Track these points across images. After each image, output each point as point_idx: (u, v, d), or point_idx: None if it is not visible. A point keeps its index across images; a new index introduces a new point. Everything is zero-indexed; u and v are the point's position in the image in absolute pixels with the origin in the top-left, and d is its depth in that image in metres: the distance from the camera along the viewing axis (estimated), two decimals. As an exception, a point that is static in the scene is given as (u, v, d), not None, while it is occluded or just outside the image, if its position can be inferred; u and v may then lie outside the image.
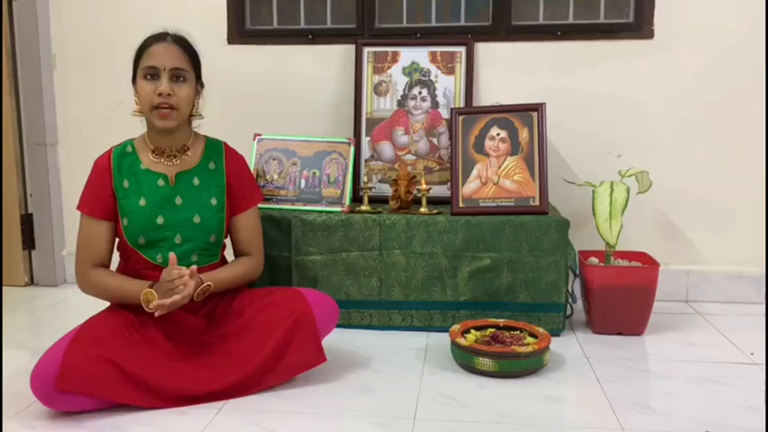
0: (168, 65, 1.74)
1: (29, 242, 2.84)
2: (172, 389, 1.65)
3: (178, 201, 1.81)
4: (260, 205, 2.02)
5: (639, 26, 2.50)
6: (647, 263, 2.28)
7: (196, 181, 1.84)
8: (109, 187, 1.79)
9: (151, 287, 1.71)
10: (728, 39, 2.46)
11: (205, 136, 1.92)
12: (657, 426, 1.58)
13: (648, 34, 2.49)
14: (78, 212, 1.81)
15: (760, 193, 2.51)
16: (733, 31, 2.46)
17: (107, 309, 1.81)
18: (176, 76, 1.76)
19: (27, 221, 2.82)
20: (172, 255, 1.70)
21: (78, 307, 2.08)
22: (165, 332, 1.75)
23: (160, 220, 1.78)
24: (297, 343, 1.76)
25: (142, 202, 1.78)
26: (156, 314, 1.69)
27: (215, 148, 1.90)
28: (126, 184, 1.79)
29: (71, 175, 2.78)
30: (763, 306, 2.49)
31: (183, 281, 1.67)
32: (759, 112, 2.48)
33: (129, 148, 1.84)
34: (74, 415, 1.60)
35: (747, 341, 2.12)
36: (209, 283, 1.76)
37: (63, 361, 1.56)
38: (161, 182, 1.81)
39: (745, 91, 2.47)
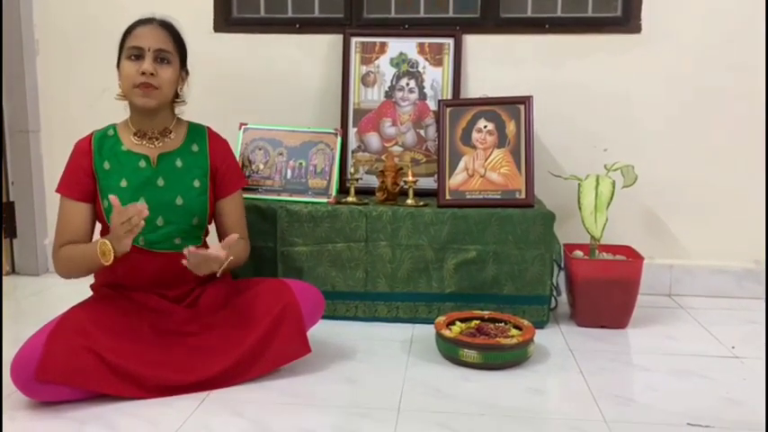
0: (153, 46, 1.73)
1: (10, 231, 2.80)
2: (155, 379, 1.64)
3: (160, 182, 1.79)
4: (245, 195, 2.01)
5: (627, 20, 2.50)
6: (632, 257, 2.29)
7: (179, 163, 1.82)
8: (89, 168, 1.77)
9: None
10: (715, 34, 2.47)
11: (188, 121, 1.90)
12: (639, 418, 1.59)
13: (636, 29, 2.50)
14: (60, 199, 1.78)
15: (744, 189, 2.53)
16: (720, 27, 2.47)
17: (89, 298, 1.80)
18: (160, 57, 1.74)
19: (8, 209, 2.78)
20: (113, 197, 1.61)
21: (60, 296, 2.06)
22: (148, 322, 1.73)
23: (141, 202, 1.76)
24: (282, 334, 1.75)
25: (123, 183, 1.76)
26: (184, 262, 1.64)
27: (198, 132, 1.89)
28: (107, 165, 1.77)
29: (53, 162, 2.74)
30: (745, 300, 2.52)
31: (141, 215, 1.58)
32: (745, 107, 2.49)
33: (111, 131, 1.82)
34: (55, 405, 1.59)
35: (729, 335, 2.14)
36: (231, 257, 1.73)
37: (44, 350, 1.55)
38: (142, 163, 1.79)
39: (731, 86, 2.49)
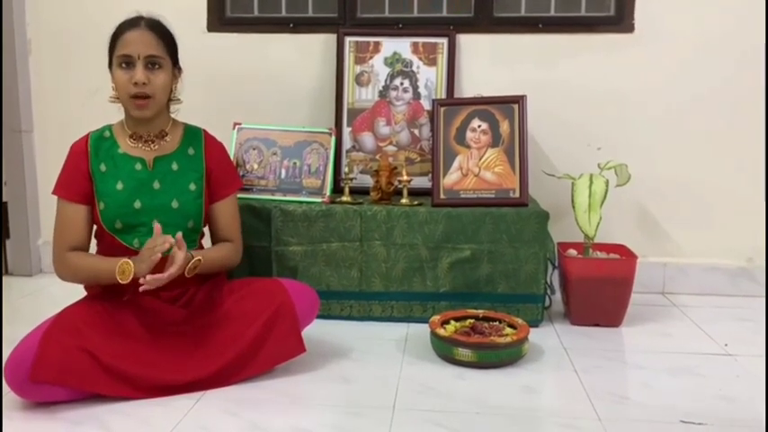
0: (143, 53, 1.72)
1: (3, 231, 2.79)
2: (149, 379, 1.64)
3: (156, 185, 1.79)
4: (239, 195, 2.00)
5: (620, 20, 2.51)
6: (625, 255, 2.30)
7: (175, 166, 1.82)
8: (85, 170, 1.76)
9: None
10: (709, 34, 2.48)
11: (184, 123, 1.90)
12: (633, 415, 1.60)
13: (629, 28, 2.51)
14: (55, 200, 1.78)
15: (737, 188, 2.54)
16: (713, 26, 2.48)
17: (83, 299, 1.79)
18: (152, 63, 1.73)
19: (1, 210, 2.77)
20: (157, 224, 1.67)
21: (54, 297, 2.05)
22: (142, 322, 1.73)
23: (137, 205, 1.76)
24: (276, 333, 1.75)
25: (119, 185, 1.76)
26: (142, 289, 1.64)
27: (194, 135, 1.88)
28: (103, 167, 1.77)
29: (47, 162, 2.74)
30: (738, 298, 2.53)
31: (163, 247, 1.63)
32: (738, 106, 2.50)
33: (107, 133, 1.82)
34: (49, 405, 1.58)
35: (722, 332, 2.15)
36: (199, 257, 1.74)
37: (38, 351, 1.54)
38: (138, 166, 1.79)
39: (723, 86, 2.50)
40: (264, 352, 1.74)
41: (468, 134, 2.33)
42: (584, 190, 2.23)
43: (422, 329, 2.07)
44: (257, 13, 2.67)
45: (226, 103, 2.61)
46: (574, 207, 2.24)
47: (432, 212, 2.19)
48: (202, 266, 1.76)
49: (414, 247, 2.18)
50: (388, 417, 1.58)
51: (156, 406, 1.61)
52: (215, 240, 1.92)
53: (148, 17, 1.78)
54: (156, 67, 1.74)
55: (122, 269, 1.65)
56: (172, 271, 1.66)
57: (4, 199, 2.78)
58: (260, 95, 2.63)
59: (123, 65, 1.73)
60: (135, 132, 1.81)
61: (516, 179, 2.26)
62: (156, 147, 1.82)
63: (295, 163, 2.35)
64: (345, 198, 2.28)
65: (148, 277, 1.64)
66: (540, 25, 2.54)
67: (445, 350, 1.90)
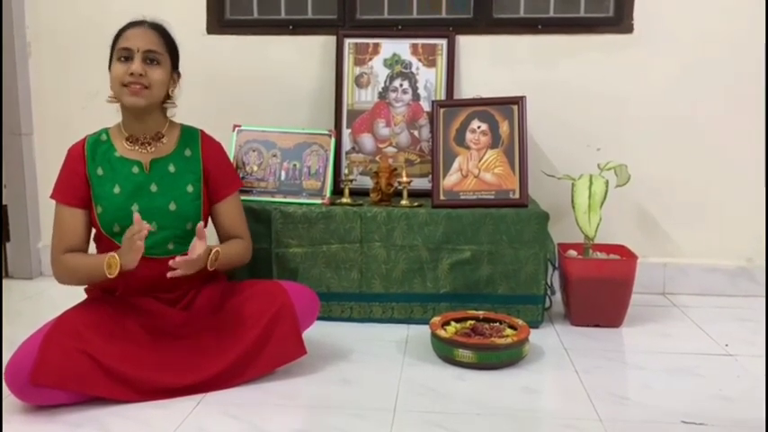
0: (142, 47, 1.73)
1: (3, 234, 2.79)
2: (150, 382, 1.64)
3: (153, 188, 1.79)
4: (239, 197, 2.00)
5: (619, 21, 2.51)
6: (625, 255, 2.30)
7: (172, 168, 1.82)
8: (83, 174, 1.76)
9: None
10: (708, 34, 2.48)
11: (181, 124, 1.90)
12: (634, 416, 1.60)
13: (628, 29, 2.51)
14: (53, 202, 1.78)
15: (736, 188, 2.54)
16: (713, 27, 2.48)
17: (84, 301, 1.79)
18: (150, 58, 1.74)
19: (1, 213, 2.77)
20: (136, 214, 1.65)
21: (54, 300, 2.05)
22: (142, 325, 1.73)
23: (135, 208, 1.75)
24: (277, 335, 1.75)
25: (116, 189, 1.76)
26: (170, 274, 1.64)
27: (191, 136, 1.88)
28: (100, 171, 1.77)
29: (46, 165, 2.73)
30: (738, 298, 2.53)
31: (141, 234, 1.60)
32: (737, 106, 2.50)
33: (104, 137, 1.82)
34: (50, 409, 1.58)
35: (722, 332, 2.16)
36: (217, 249, 1.74)
37: (38, 354, 1.54)
38: (135, 169, 1.79)
39: (723, 86, 2.50)
40: (265, 354, 1.74)
41: (468, 135, 2.33)
42: (584, 191, 2.23)
43: (422, 331, 2.07)
44: (257, 15, 2.67)
45: (225, 105, 2.61)
46: (574, 208, 2.24)
47: (432, 214, 2.19)
48: (220, 260, 1.76)
49: (414, 249, 2.18)
50: (388, 418, 1.58)
51: (156, 408, 1.61)
52: (221, 240, 1.92)
53: (152, 20, 1.80)
54: (155, 63, 1.75)
55: (109, 263, 1.64)
56: (199, 252, 1.65)
57: (4, 202, 2.78)
58: (260, 97, 2.63)
59: (122, 58, 1.74)
60: (131, 135, 1.81)
61: (516, 180, 2.26)
62: (153, 149, 1.82)
63: (295, 165, 2.35)
64: (345, 200, 2.28)
65: (178, 259, 1.64)
66: (540, 26, 2.54)
67: (446, 351, 1.90)
